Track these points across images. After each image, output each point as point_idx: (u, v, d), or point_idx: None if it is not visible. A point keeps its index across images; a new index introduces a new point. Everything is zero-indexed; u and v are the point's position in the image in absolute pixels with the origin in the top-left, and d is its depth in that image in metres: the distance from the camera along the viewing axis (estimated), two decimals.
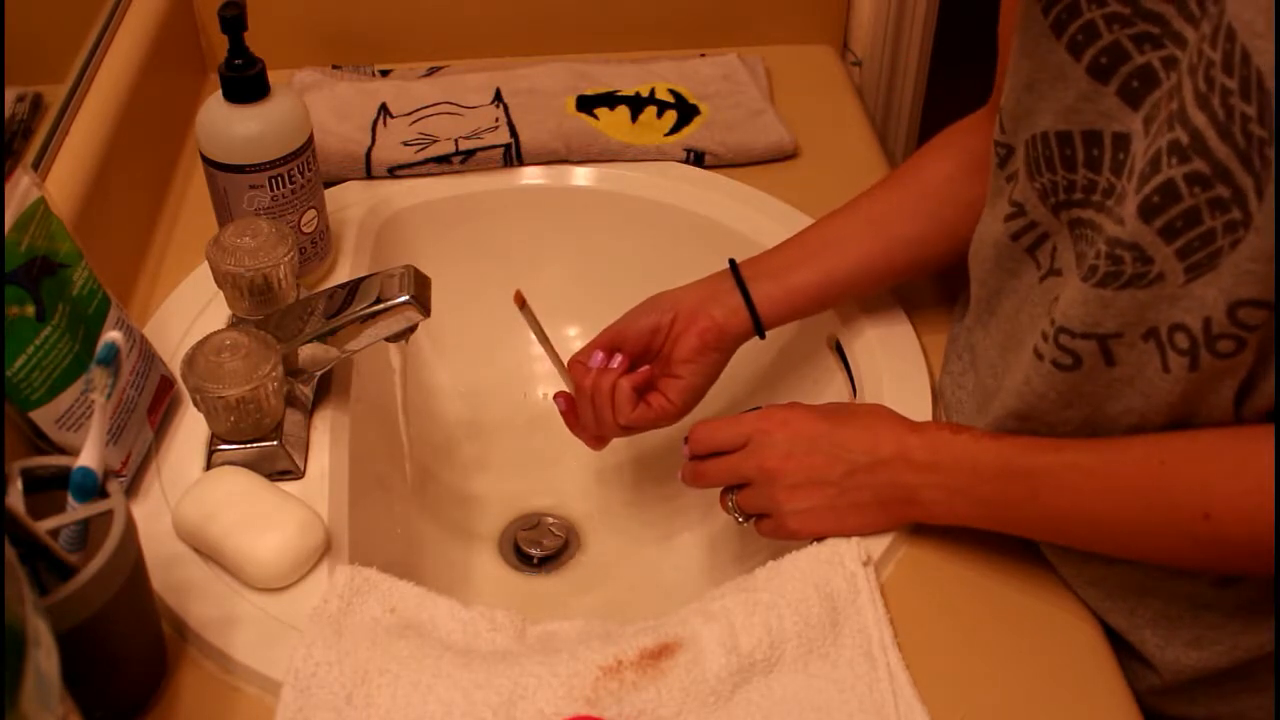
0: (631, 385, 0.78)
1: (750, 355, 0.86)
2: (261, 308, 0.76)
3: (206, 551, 0.66)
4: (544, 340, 0.81)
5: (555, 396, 0.83)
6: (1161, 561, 0.61)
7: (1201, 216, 0.51)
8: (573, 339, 0.98)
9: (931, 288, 0.87)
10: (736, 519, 0.72)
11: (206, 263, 0.76)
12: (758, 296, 0.78)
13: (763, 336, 0.80)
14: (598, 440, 0.83)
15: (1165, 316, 0.55)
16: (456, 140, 0.99)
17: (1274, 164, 0.47)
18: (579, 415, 0.81)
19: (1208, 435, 0.57)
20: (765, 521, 0.71)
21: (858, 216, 0.80)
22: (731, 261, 0.80)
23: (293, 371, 0.73)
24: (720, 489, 0.73)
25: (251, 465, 0.70)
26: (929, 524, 0.68)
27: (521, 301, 0.79)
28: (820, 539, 0.67)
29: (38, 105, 0.81)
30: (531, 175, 0.99)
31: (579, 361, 0.80)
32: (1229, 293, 0.52)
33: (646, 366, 0.79)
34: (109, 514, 0.55)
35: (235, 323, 0.78)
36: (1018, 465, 0.62)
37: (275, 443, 0.71)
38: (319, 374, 0.75)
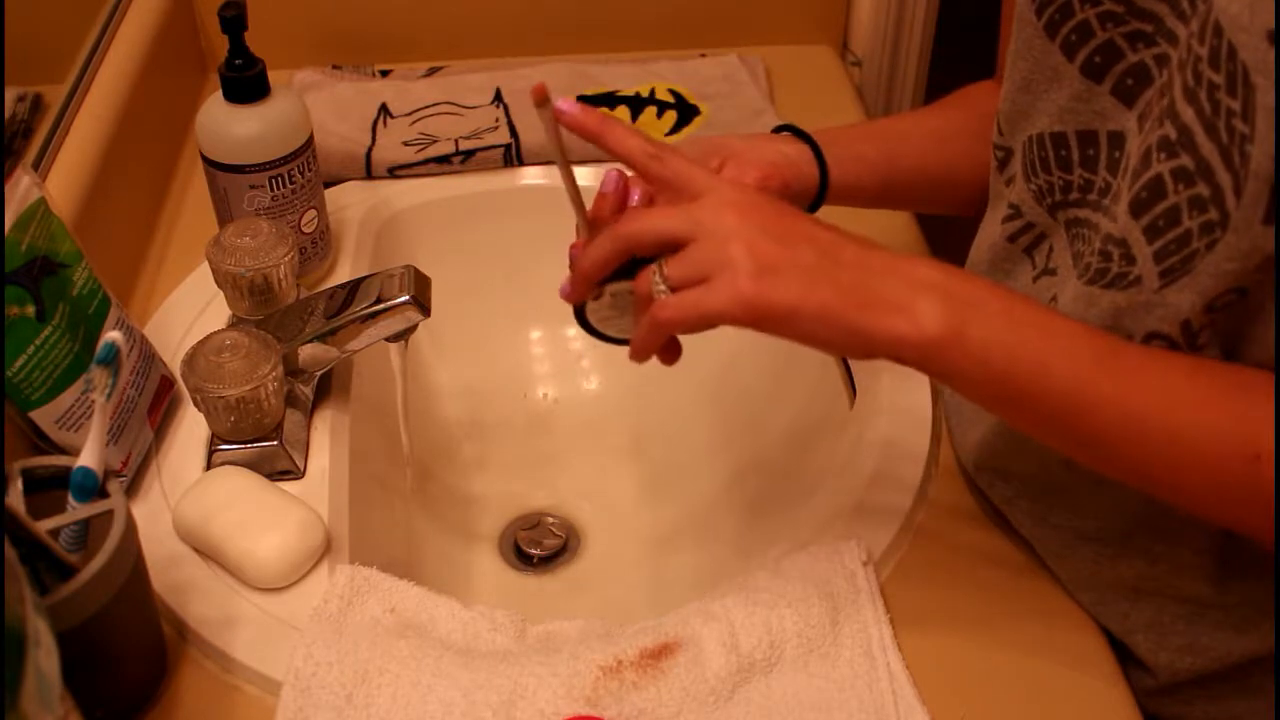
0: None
1: (746, 352, 0.86)
2: (261, 308, 0.76)
3: (206, 551, 0.66)
4: (562, 159, 0.58)
5: (571, 248, 0.64)
6: (1188, 496, 0.52)
7: (1181, 216, 0.51)
8: (572, 339, 0.98)
9: None
10: (658, 291, 0.54)
11: (206, 263, 0.76)
12: (826, 155, 0.69)
13: (820, 201, 0.69)
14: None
15: (1140, 325, 0.54)
16: (456, 140, 0.99)
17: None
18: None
19: (1249, 372, 0.51)
20: (696, 289, 0.52)
21: (918, 126, 0.75)
22: (786, 125, 0.71)
23: (293, 371, 0.73)
24: (641, 258, 0.55)
25: (251, 465, 0.70)
26: (903, 366, 0.52)
27: (543, 97, 0.55)
28: (763, 321, 0.52)
29: (38, 105, 0.81)
30: (531, 175, 0.99)
31: (602, 195, 0.64)
32: (1206, 294, 0.51)
33: None
34: (109, 514, 0.56)
35: (235, 323, 0.78)
36: (1051, 320, 0.52)
37: (275, 443, 0.71)
38: (319, 374, 0.75)
